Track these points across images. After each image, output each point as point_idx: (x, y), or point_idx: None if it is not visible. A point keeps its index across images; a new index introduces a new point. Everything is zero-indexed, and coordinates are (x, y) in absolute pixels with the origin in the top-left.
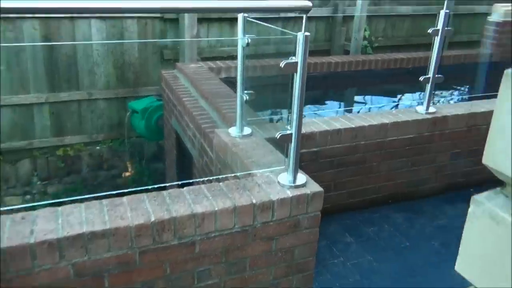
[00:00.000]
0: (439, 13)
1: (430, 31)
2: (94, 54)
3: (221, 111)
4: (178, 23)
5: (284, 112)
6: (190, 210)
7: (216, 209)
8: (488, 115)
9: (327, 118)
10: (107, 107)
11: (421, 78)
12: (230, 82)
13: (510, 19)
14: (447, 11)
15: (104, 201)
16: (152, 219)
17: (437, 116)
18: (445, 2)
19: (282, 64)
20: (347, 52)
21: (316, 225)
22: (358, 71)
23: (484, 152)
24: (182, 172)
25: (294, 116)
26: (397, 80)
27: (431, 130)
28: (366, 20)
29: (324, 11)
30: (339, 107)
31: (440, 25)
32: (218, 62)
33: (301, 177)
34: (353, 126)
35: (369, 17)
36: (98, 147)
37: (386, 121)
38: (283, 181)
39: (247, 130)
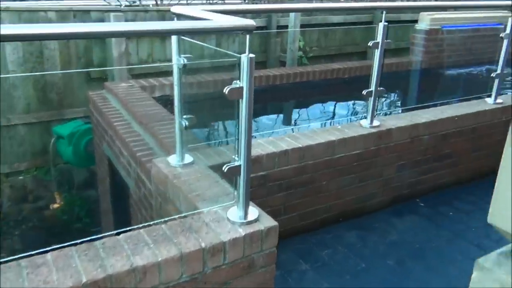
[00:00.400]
0: (378, 25)
1: (370, 44)
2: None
3: (158, 137)
4: (105, 39)
5: (230, 134)
6: (129, 263)
7: (160, 259)
8: (429, 125)
9: (273, 138)
10: (28, 132)
11: (364, 92)
12: (166, 101)
13: (436, 27)
14: (386, 23)
15: (23, 262)
16: (84, 280)
17: (381, 130)
18: (383, 15)
19: (226, 91)
20: (283, 64)
21: (272, 262)
22: (296, 83)
23: (490, 211)
24: (117, 204)
25: (242, 146)
26: (336, 90)
27: (377, 144)
28: (300, 30)
29: (258, 22)
30: (283, 123)
31: (379, 38)
32: (151, 79)
33: (253, 211)
34: (300, 145)
35: (302, 28)
36: (20, 177)
37: (333, 138)
38: (233, 218)
39: (188, 158)
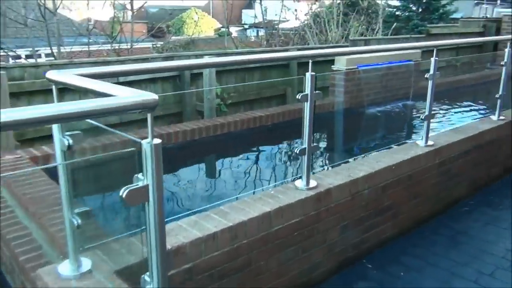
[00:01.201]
0: (305, 76)
1: (299, 97)
2: None
3: (49, 230)
4: None
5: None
6: None
7: None
8: (368, 178)
9: (196, 217)
10: None
11: (297, 150)
12: None
13: (352, 66)
14: (313, 73)
15: None
16: None
17: (320, 191)
18: (309, 65)
19: (123, 194)
20: (201, 113)
21: None
22: (218, 136)
23: None
24: None
25: (154, 265)
26: (262, 140)
27: (317, 208)
28: (216, 76)
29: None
30: (207, 191)
31: (308, 89)
32: (44, 147)
33: None
34: (231, 224)
35: (218, 73)
36: None
37: (267, 208)
38: None
39: (86, 264)
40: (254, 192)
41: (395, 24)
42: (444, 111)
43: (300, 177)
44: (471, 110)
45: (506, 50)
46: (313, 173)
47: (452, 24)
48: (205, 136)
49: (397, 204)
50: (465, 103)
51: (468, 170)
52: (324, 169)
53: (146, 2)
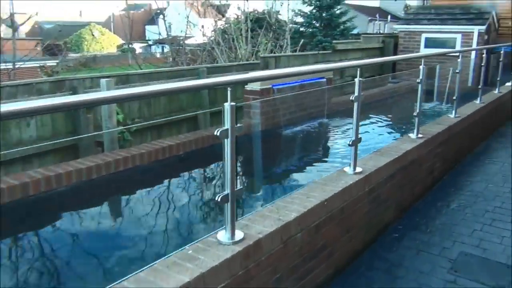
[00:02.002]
0: (223, 107)
1: (217, 133)
2: None
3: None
4: None
5: None
6: None
7: None
8: (300, 219)
9: None
10: None
11: (218, 199)
12: None
13: (266, 86)
14: (233, 103)
15: None
16: None
17: (248, 244)
18: (228, 94)
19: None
20: (100, 144)
21: None
22: (121, 173)
23: None
24: None
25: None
26: (172, 176)
27: (246, 266)
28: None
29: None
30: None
31: (227, 123)
32: None
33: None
34: None
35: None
36: None
37: (186, 278)
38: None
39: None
40: (165, 252)
41: (302, 40)
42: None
43: (224, 227)
44: (386, 126)
45: (421, 67)
46: (237, 219)
47: (355, 40)
48: (106, 174)
49: (331, 242)
50: (378, 119)
51: (395, 193)
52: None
53: (30, 17)
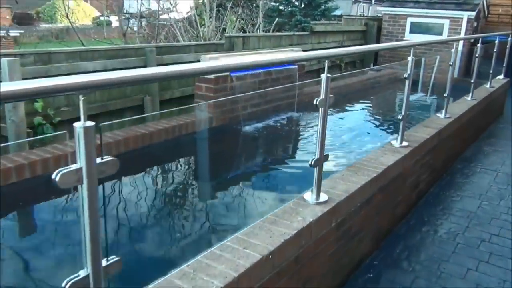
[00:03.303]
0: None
1: (316, 102)
2: None
3: None
4: None
5: None
6: None
7: None
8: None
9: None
10: None
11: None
12: None
13: (223, 73)
14: (329, 75)
15: None
16: None
17: None
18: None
19: None
20: (5, 139)
21: None
22: (29, 182)
23: None
24: None
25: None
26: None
27: None
28: None
29: None
30: None
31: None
32: None
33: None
34: None
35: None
36: None
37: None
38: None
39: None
40: None
41: (276, 19)
42: (330, 131)
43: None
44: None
45: (409, 59)
46: None
47: (336, 21)
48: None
49: None
50: (356, 116)
51: (371, 221)
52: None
53: None
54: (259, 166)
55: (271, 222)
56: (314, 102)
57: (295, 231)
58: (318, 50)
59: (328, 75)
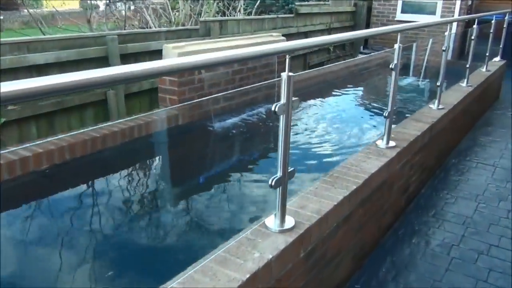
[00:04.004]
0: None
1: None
2: None
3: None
4: None
5: None
6: None
7: None
8: None
9: None
10: None
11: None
12: None
13: None
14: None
15: None
16: None
17: None
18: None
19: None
20: None
21: None
22: None
23: None
24: None
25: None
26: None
27: None
28: None
29: None
30: None
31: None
32: None
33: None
34: None
35: None
36: None
37: None
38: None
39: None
40: None
41: (258, 1)
42: (307, 129)
43: None
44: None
45: (396, 46)
46: None
47: (323, 2)
48: None
49: None
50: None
51: (351, 239)
52: None
53: None
54: (219, 177)
55: (219, 262)
56: (273, 108)
57: (248, 275)
58: (304, 33)
59: (290, 73)
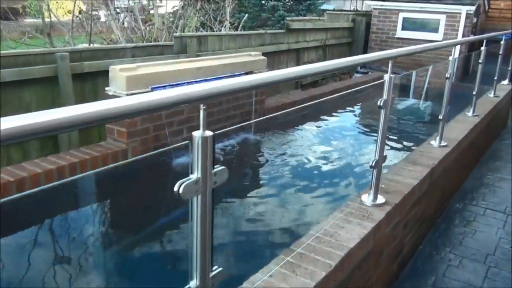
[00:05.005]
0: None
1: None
2: None
3: None
4: None
5: None
6: None
7: None
8: None
9: None
10: None
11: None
12: None
13: (140, 90)
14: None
15: None
16: None
17: None
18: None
19: None
20: None
21: None
22: None
23: None
24: None
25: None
26: None
27: None
28: None
29: None
30: None
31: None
32: None
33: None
34: None
35: None
36: None
37: None
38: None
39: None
40: None
41: (245, 15)
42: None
43: None
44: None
45: (386, 77)
46: None
47: (318, 18)
48: None
49: None
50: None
51: None
52: None
53: None
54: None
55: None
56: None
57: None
58: (296, 50)
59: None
